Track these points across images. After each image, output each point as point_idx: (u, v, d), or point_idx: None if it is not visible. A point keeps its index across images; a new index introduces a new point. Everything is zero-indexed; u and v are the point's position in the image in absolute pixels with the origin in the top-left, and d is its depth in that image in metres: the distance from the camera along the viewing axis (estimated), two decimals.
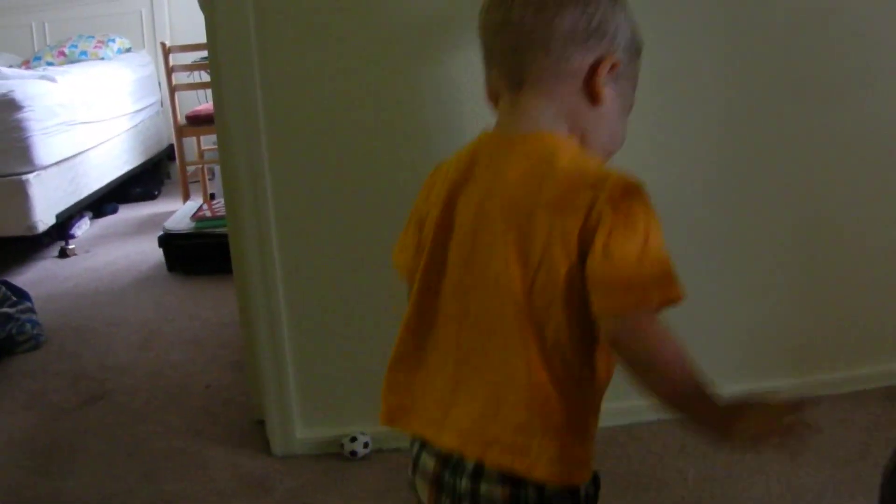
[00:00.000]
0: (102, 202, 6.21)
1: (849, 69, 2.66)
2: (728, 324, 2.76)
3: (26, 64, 6.71)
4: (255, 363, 2.78)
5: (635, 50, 1.33)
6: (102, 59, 6.74)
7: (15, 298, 3.94)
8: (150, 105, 7.10)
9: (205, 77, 5.95)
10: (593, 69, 1.25)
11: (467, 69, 2.41)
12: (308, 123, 2.53)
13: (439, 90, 2.51)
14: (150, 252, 5.17)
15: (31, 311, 3.95)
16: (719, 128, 2.64)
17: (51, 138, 4.98)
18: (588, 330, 1.20)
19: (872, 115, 2.69)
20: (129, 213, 6.44)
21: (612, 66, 1.26)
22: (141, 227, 5.97)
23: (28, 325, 3.83)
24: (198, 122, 5.81)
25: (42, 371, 3.57)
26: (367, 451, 2.68)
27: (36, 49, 7.29)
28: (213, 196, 5.46)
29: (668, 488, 2.42)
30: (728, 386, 1.23)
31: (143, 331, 3.95)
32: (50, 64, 6.57)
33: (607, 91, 1.27)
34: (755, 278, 2.77)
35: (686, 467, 2.50)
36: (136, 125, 6.67)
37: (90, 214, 6.08)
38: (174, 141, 6.48)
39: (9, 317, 3.79)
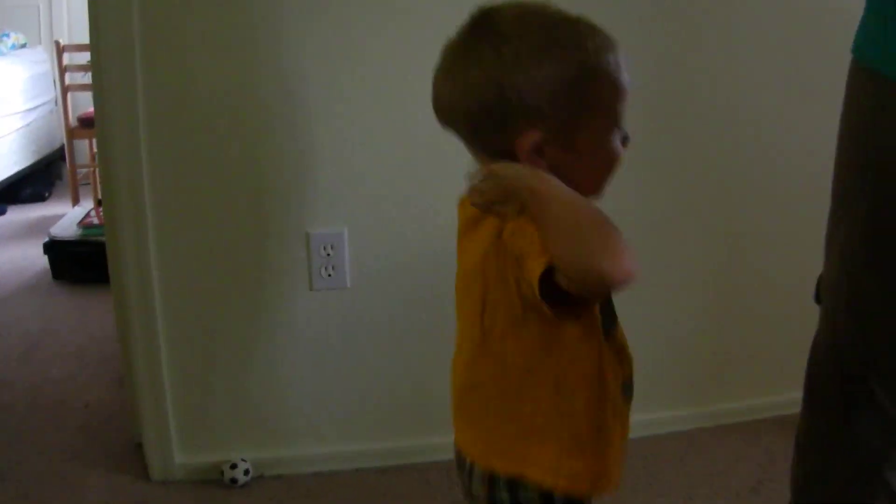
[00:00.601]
0: None
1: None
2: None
3: None
4: (133, 381, 2.68)
5: (577, 100, 1.23)
6: None
7: None
8: (44, 104, 6.87)
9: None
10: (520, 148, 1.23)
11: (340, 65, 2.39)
12: (190, 131, 2.44)
13: (317, 91, 2.45)
14: (36, 258, 4.98)
15: None
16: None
17: None
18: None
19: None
20: (17, 216, 6.23)
21: (536, 143, 1.23)
22: (29, 231, 5.77)
23: None
24: (91, 124, 5.64)
25: None
26: (247, 478, 2.59)
27: None
28: (100, 202, 5.29)
29: None
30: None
31: (24, 342, 3.79)
32: None
33: (546, 161, 1.23)
34: (660, 307, 2.77)
35: None
36: (27, 124, 6.47)
37: None
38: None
39: None
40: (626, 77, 1.25)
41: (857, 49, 1.54)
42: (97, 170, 5.70)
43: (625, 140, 1.28)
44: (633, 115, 1.30)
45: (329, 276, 2.55)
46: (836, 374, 1.65)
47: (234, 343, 2.59)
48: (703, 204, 2.75)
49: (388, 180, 2.53)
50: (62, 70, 5.76)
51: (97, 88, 2.55)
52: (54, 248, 4.62)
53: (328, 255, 2.53)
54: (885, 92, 1.45)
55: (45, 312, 4.20)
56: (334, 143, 2.47)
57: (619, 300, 1.28)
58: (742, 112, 2.71)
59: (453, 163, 1.37)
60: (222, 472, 2.59)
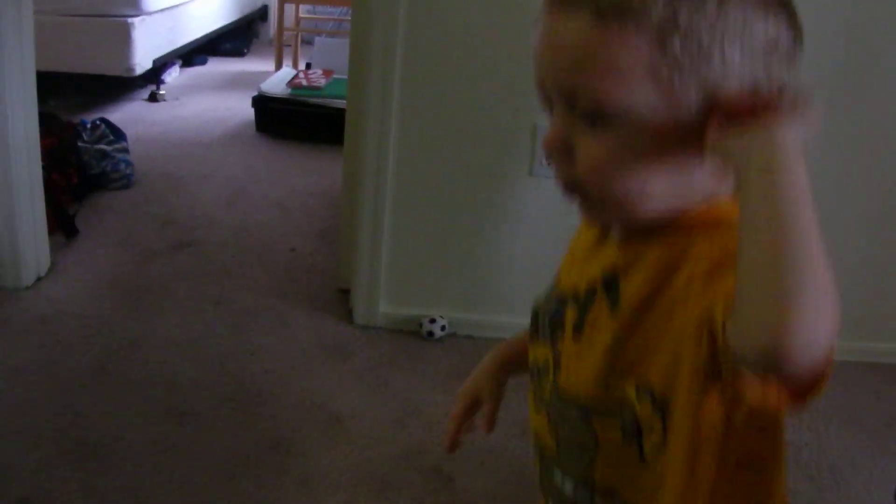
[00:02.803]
0: (193, 53, 6.31)
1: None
2: None
3: None
4: (350, 233, 2.90)
5: None
6: None
7: (112, 137, 4.07)
8: None
9: None
10: None
11: None
12: (444, 14, 2.62)
13: None
14: (237, 109, 5.29)
15: (126, 150, 4.07)
16: None
17: None
18: None
19: None
20: (217, 67, 6.54)
21: None
22: (229, 83, 6.07)
23: (122, 164, 3.96)
24: None
25: (132, 211, 3.70)
26: (443, 333, 2.82)
27: None
28: (308, 66, 5.53)
29: None
30: None
31: (230, 187, 4.07)
32: None
33: None
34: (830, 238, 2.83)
35: None
36: None
37: (179, 63, 6.18)
38: (268, 2, 6.55)
39: (105, 154, 3.92)
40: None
41: None
42: (300, 34, 5.96)
43: None
44: None
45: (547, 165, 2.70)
46: None
47: (451, 213, 2.81)
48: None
49: None
50: None
51: None
52: (263, 103, 4.89)
53: None
54: None
55: (248, 162, 4.47)
56: None
57: None
58: None
59: None
60: (420, 325, 2.82)
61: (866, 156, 2.74)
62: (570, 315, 0.95)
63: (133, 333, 2.77)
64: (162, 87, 5.55)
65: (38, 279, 3.05)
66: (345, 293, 2.99)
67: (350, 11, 6.01)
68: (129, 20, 4.85)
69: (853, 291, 2.88)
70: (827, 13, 2.45)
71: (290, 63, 6.17)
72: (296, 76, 5.12)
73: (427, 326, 2.81)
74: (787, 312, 0.67)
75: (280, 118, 4.85)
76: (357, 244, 2.84)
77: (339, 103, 4.52)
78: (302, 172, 4.29)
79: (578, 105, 0.83)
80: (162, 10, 5.18)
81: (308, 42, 6.67)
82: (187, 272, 3.20)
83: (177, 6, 5.44)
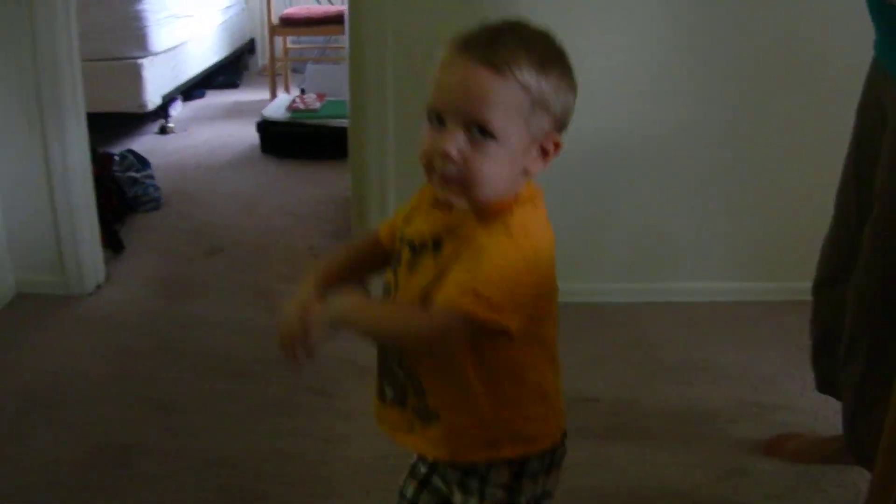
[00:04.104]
0: (192, 88, 6.86)
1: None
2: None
3: None
4: (360, 229, 3.47)
5: None
6: None
7: (139, 165, 4.64)
8: (237, 2, 7.70)
9: None
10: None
11: None
12: (431, 44, 3.17)
13: None
14: (241, 134, 5.89)
15: (152, 176, 4.64)
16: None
17: (162, 28, 5.65)
18: None
19: None
20: (215, 99, 7.10)
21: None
22: (228, 112, 6.65)
23: (151, 189, 4.53)
24: (289, 23, 6.50)
25: (165, 227, 4.28)
26: None
27: None
28: (303, 91, 6.11)
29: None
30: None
31: (245, 200, 4.67)
32: None
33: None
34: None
35: None
36: (225, 20, 7.28)
37: (181, 97, 6.73)
38: (256, 37, 7.17)
39: (135, 180, 4.49)
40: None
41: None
42: (289, 62, 6.54)
43: None
44: None
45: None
46: None
47: None
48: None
49: None
50: None
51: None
52: (266, 127, 5.50)
53: None
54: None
55: (259, 179, 5.06)
56: None
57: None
58: None
59: None
60: None
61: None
62: (406, 255, 1.45)
63: (186, 319, 3.36)
64: (170, 120, 6.10)
65: (98, 286, 3.62)
66: None
67: (331, 40, 6.65)
68: (139, 61, 5.42)
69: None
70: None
71: (282, 90, 6.77)
72: (293, 101, 5.71)
73: None
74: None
75: (282, 139, 5.45)
76: None
77: (335, 122, 5.16)
78: (308, 185, 4.88)
79: (473, 126, 1.31)
80: (166, 51, 5.74)
81: (296, 70, 7.28)
82: (223, 270, 3.79)
83: (177, 46, 5.99)
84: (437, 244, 1.40)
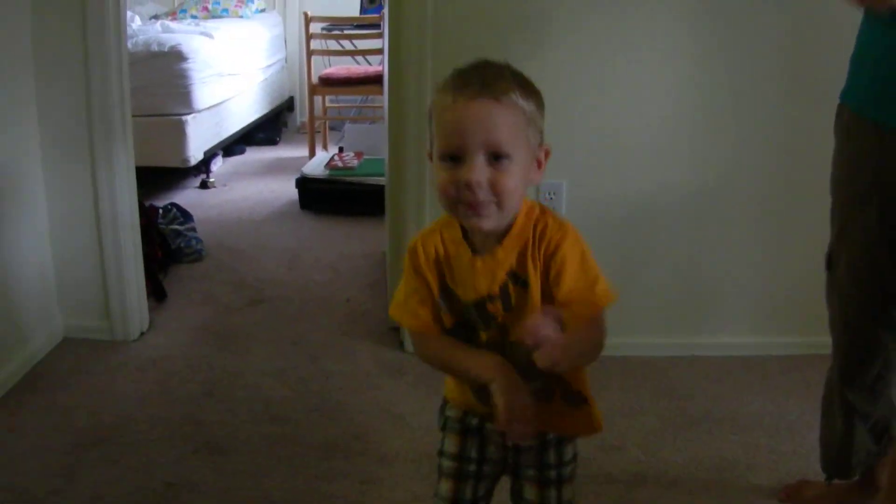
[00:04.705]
0: (232, 144, 7.04)
1: None
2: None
3: (173, 15, 7.48)
4: (397, 283, 3.56)
5: None
6: (241, 17, 7.58)
7: (182, 218, 4.80)
8: (277, 61, 7.94)
9: (331, 44, 6.95)
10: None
11: None
12: None
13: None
14: (280, 190, 6.05)
15: (194, 229, 4.80)
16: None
17: (205, 86, 5.86)
18: None
19: None
20: (254, 156, 7.29)
21: None
22: (268, 169, 6.83)
23: (193, 241, 4.68)
24: (329, 83, 6.68)
25: (207, 278, 4.42)
26: None
27: (176, 2, 8.08)
28: (341, 149, 6.27)
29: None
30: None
31: (286, 254, 4.80)
32: (194, 17, 7.38)
33: None
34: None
35: None
36: (266, 78, 7.52)
37: (221, 153, 6.90)
38: (295, 95, 7.36)
39: (178, 233, 4.65)
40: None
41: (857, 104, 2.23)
42: (327, 121, 6.72)
43: None
44: None
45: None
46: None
47: None
48: None
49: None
50: (308, 36, 6.79)
51: (394, 53, 3.45)
52: (305, 183, 5.66)
53: (551, 199, 3.40)
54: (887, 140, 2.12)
55: (298, 234, 5.20)
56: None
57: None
58: None
59: None
60: None
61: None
62: (494, 308, 1.65)
63: (230, 366, 3.48)
64: (211, 175, 6.27)
65: (142, 333, 3.75)
66: (395, 330, 3.69)
67: (368, 99, 6.84)
68: (184, 118, 5.62)
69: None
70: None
71: (321, 147, 6.94)
72: (332, 159, 5.87)
73: None
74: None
75: (321, 196, 5.61)
76: None
77: (372, 180, 5.29)
78: (345, 240, 5.02)
79: (489, 152, 1.51)
80: (209, 108, 5.94)
81: (333, 128, 7.47)
82: (264, 321, 3.92)
83: (220, 103, 6.19)
84: (515, 278, 1.63)
